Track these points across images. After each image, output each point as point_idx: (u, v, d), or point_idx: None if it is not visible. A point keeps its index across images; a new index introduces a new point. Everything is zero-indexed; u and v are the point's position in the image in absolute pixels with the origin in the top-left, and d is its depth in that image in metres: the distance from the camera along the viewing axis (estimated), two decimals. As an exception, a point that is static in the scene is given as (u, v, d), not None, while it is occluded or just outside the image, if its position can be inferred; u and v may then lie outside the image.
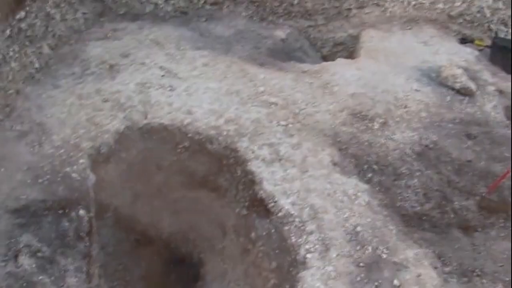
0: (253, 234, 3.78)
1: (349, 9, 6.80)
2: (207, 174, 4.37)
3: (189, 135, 4.24)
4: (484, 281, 3.23)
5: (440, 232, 3.61)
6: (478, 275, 3.23)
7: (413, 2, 6.80)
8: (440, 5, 6.79)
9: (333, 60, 6.15)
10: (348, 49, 6.87)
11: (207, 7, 6.40)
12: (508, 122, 5.24)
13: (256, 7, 6.56)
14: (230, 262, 4.10)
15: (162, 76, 4.83)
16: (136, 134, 4.20)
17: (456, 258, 3.35)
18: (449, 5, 6.76)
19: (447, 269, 3.24)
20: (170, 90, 4.63)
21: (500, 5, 6.66)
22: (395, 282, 3.08)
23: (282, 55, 6.28)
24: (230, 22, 6.36)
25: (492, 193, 4.01)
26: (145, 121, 4.22)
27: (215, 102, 4.53)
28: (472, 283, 3.17)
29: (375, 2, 6.77)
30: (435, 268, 3.20)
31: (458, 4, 6.76)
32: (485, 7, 6.74)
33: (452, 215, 3.79)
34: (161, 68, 4.97)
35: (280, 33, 6.45)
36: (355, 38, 6.71)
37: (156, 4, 6.33)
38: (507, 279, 3.22)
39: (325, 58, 6.76)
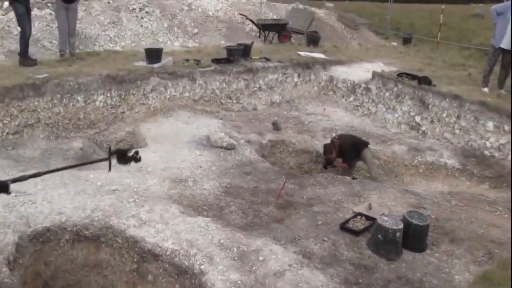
0: (149, 277, 5.11)
1: (123, 112, 8.51)
2: (87, 256, 5.46)
3: (68, 229, 5.30)
4: (304, 241, 5.30)
5: (265, 227, 5.59)
6: (300, 239, 5.29)
7: (168, 96, 9.01)
8: (186, 94, 9.20)
9: None
10: (128, 143, 8.57)
11: (10, 137, 7.29)
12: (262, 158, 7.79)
13: (51, 128, 7.74)
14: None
15: (16, 196, 5.64)
16: (26, 241, 5.05)
17: (282, 236, 5.35)
18: (192, 93, 9.24)
19: (283, 243, 5.19)
20: (32, 203, 5.52)
21: (224, 85, 9.46)
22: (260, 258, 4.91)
23: (84, 160, 7.60)
24: (33, 145, 7.39)
25: (279, 198, 6.27)
26: (30, 229, 5.10)
27: (74, 201, 5.60)
28: (299, 245, 5.18)
29: (141, 102, 8.70)
30: (277, 244, 5.15)
31: (198, 90, 9.29)
32: (215, 88, 9.45)
33: (266, 218, 5.85)
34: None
35: (77, 144, 7.77)
36: (132, 134, 8.48)
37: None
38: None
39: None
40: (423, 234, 5.08)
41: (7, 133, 7.37)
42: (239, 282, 4.45)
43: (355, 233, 5.28)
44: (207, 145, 7.70)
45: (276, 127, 8.95)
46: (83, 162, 5.88)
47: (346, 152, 7.68)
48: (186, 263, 4.78)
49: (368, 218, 5.52)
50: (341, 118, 10.04)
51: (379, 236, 4.91)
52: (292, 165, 8.46)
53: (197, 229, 5.24)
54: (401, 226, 4.91)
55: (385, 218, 5.05)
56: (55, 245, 5.26)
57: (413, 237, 5.03)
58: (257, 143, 8.32)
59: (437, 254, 5.03)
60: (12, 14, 10.29)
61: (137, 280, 5.22)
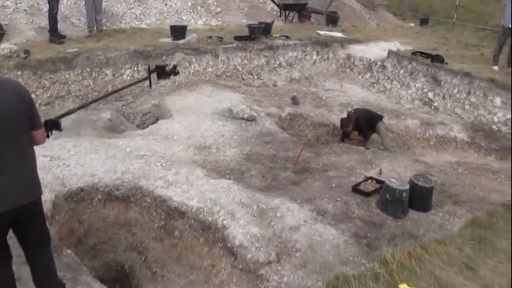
0: (176, 232, 5.60)
1: (149, 86, 9.04)
2: (118, 214, 5.97)
3: (100, 189, 5.81)
4: (319, 201, 5.73)
5: (282, 189, 6.04)
6: (314, 199, 5.72)
7: (192, 71, 9.46)
8: (209, 69, 9.63)
9: (143, 127, 8.31)
10: (154, 115, 9.07)
11: (42, 107, 7.80)
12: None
13: (80, 99, 8.26)
14: (160, 262, 5.76)
15: (50, 160, 6.15)
16: (62, 200, 5.56)
17: (298, 196, 5.79)
18: (215, 68, 9.67)
19: (299, 202, 5.64)
20: (66, 166, 6.03)
21: (245, 61, 9.86)
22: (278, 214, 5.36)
23: (113, 130, 8.12)
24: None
25: (296, 165, 6.69)
26: (65, 189, 5.61)
27: (105, 165, 6.10)
28: (314, 204, 5.62)
29: (167, 77, 9.19)
30: (294, 203, 5.59)
31: (220, 66, 9.72)
32: (237, 64, 9.85)
33: (284, 181, 6.28)
34: (44, 156, 6.30)
35: (106, 115, 8.28)
36: (157, 106, 8.97)
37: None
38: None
39: (138, 127, 8.81)
40: (428, 196, 5.47)
41: (40, 104, 7.89)
42: (258, 235, 4.90)
43: (366, 194, 5.69)
44: (229, 117, 8.13)
45: (295, 101, 9.34)
46: (125, 86, 6.23)
47: (362, 125, 8.06)
48: (210, 219, 5.23)
49: (378, 181, 5.91)
50: (357, 94, 10.37)
51: (387, 196, 5.31)
52: (310, 138, 8.86)
53: (220, 189, 5.69)
54: (407, 187, 5.30)
55: (393, 180, 5.45)
56: (88, 204, 5.75)
57: (419, 198, 5.41)
58: (277, 116, 8.73)
59: (440, 214, 5.41)
60: (41, -9, 10.80)
61: (164, 236, 5.70)
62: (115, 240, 5.98)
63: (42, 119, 3.43)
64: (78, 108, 4.70)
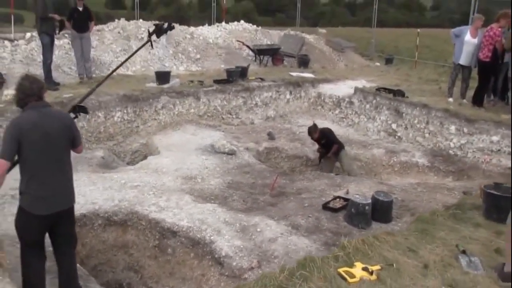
0: (169, 250, 6.34)
1: (138, 126, 9.85)
2: (116, 237, 6.69)
3: (101, 215, 6.55)
4: (293, 218, 6.54)
5: (261, 210, 6.84)
6: (289, 216, 6.53)
7: (176, 112, 10.36)
8: (192, 110, 10.54)
9: (133, 164, 9.10)
10: (142, 153, 9.86)
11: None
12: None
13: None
14: (155, 277, 6.46)
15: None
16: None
17: (275, 214, 6.59)
18: (197, 109, 10.59)
19: (276, 219, 6.44)
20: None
21: (225, 102, 10.79)
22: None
23: (106, 167, 8.88)
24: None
25: (273, 190, 7.53)
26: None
27: (104, 194, 6.82)
28: (289, 220, 6.43)
29: (153, 117, 10.04)
30: (271, 220, 6.39)
31: (202, 107, 10.64)
32: (217, 105, 10.79)
33: (262, 203, 7.10)
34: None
35: (99, 153, 9.03)
36: (145, 145, 9.78)
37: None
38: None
39: (128, 164, 9.59)
40: (388, 209, 6.32)
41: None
42: (241, 246, 5.67)
43: (334, 210, 6.53)
44: (212, 152, 8.98)
45: (271, 136, 10.26)
46: (130, 55, 6.83)
47: (327, 135, 9.02)
48: (199, 236, 5.99)
49: (345, 199, 6.76)
50: (328, 129, 11.33)
51: (352, 210, 6.15)
52: (285, 169, 9.72)
53: (207, 212, 6.47)
54: (369, 201, 6.16)
55: (357, 196, 6.33)
56: (90, 228, 6.47)
57: (380, 211, 6.26)
58: (255, 150, 9.62)
59: (399, 224, 6.24)
60: (34, 44, 11.74)
61: (159, 253, 6.42)
62: (114, 261, 6.66)
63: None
64: (93, 90, 5.70)
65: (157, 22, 5.84)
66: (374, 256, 4.12)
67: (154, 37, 5.27)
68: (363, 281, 3.68)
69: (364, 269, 3.79)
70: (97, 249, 6.60)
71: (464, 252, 4.20)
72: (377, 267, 3.86)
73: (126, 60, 6.21)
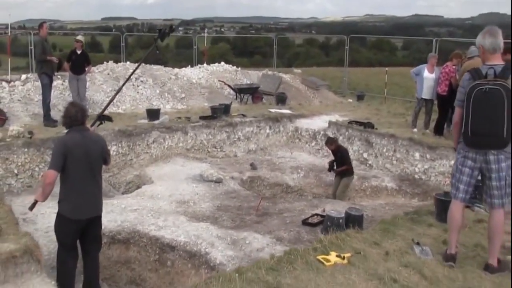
0: (168, 263, 7.16)
1: (131, 159, 10.73)
2: (120, 254, 7.49)
3: (106, 234, 7.35)
4: (277, 232, 7.43)
5: (249, 226, 7.73)
6: (274, 231, 7.44)
7: (166, 146, 11.30)
8: (180, 144, 11.49)
9: (128, 193, 9.94)
10: (135, 184, 10.70)
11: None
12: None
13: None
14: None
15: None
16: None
17: (261, 230, 7.49)
18: (185, 143, 11.54)
19: (262, 234, 7.33)
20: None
21: (210, 137, 11.79)
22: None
23: (103, 196, 9.66)
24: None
25: (258, 211, 8.45)
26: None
27: (107, 217, 7.43)
28: (273, 234, 7.33)
29: (145, 151, 10.94)
30: (258, 234, 7.28)
31: (189, 141, 11.60)
32: (203, 139, 11.77)
33: (249, 221, 7.99)
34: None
35: (97, 183, 9.89)
36: (139, 176, 10.64)
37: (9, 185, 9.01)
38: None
39: (123, 193, 10.41)
40: (360, 222, 7.26)
41: (42, 176, 9.43)
42: (233, 255, 6.53)
43: (313, 225, 7.47)
44: (201, 180, 9.88)
45: (253, 167, 11.23)
46: (140, 62, 7.66)
47: (342, 152, 9.95)
48: (195, 249, 6.84)
49: (322, 216, 7.71)
50: (305, 159, 12.37)
51: (328, 223, 7.08)
52: (267, 195, 10.65)
53: (201, 229, 7.35)
54: (343, 215, 7.12)
55: (332, 211, 7.28)
56: (97, 246, 7.29)
57: (352, 224, 7.19)
58: (239, 179, 10.55)
59: (369, 234, 7.21)
60: (29, 85, 12.63)
61: (159, 266, 7.24)
62: (117, 276, 7.45)
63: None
64: (113, 98, 6.61)
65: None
66: (346, 248, 5.06)
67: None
68: (337, 265, 4.62)
69: (338, 256, 4.73)
70: (103, 265, 7.34)
71: (418, 243, 5.18)
72: (348, 254, 4.81)
73: (134, 71, 7.13)
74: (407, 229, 5.80)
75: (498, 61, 4.50)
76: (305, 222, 7.61)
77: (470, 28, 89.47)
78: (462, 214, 4.91)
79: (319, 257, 4.71)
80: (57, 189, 4.95)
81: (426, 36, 21.98)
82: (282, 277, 4.37)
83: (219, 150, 12.51)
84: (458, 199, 4.79)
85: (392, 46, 57.25)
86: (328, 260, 4.64)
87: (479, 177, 4.81)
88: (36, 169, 9.42)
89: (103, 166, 5.21)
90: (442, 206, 6.12)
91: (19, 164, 9.17)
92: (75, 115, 4.81)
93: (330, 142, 10.24)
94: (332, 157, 10.33)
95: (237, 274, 4.34)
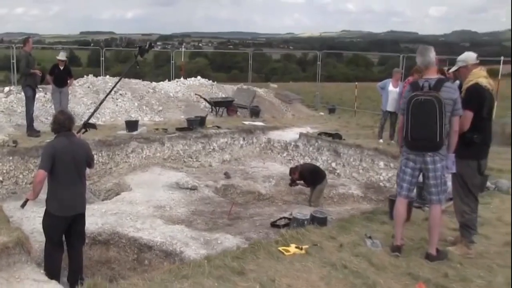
0: (146, 261, 7.70)
1: (111, 168, 11.25)
2: (100, 254, 8.00)
3: (87, 235, 7.82)
4: (247, 233, 8.03)
5: (221, 229, 8.32)
6: (244, 232, 8.04)
7: (144, 155, 11.84)
8: (158, 154, 12.06)
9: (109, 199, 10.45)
10: (115, 192, 11.20)
11: (28, 186, 9.82)
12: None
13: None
14: None
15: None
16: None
17: (232, 231, 8.08)
18: (162, 153, 12.11)
19: (233, 235, 7.92)
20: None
21: (186, 147, 12.38)
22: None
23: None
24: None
25: (230, 215, 9.05)
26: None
27: (88, 219, 7.81)
28: (243, 235, 7.93)
29: (124, 160, 11.45)
30: (229, 235, 7.87)
31: (166, 151, 12.17)
32: (179, 150, 12.35)
33: (221, 224, 8.58)
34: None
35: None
36: (118, 184, 11.15)
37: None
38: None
39: (103, 200, 10.90)
40: (323, 224, 7.91)
41: (26, 183, 9.91)
42: (206, 254, 7.06)
43: (280, 227, 8.10)
44: (177, 188, 10.44)
45: (227, 176, 11.84)
46: (125, 72, 8.01)
47: (305, 175, 10.54)
48: (171, 248, 7.39)
49: (289, 219, 8.35)
50: (277, 169, 13.02)
51: (295, 224, 7.71)
52: (240, 202, 11.26)
53: (176, 230, 7.90)
54: (308, 217, 7.75)
55: (298, 213, 7.92)
56: (79, 246, 7.79)
57: (317, 225, 7.85)
58: (213, 187, 11.14)
59: (331, 234, 7.86)
60: (12, 97, 13.07)
61: (137, 265, 7.77)
62: (98, 276, 7.90)
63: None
64: (97, 108, 7.16)
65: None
66: (305, 241, 5.70)
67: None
68: (296, 255, 5.26)
69: (297, 247, 5.37)
70: (84, 265, 7.84)
71: (370, 237, 5.85)
72: (306, 246, 5.45)
73: (116, 84, 7.75)
74: (362, 226, 6.48)
75: (433, 75, 5.24)
76: (273, 224, 8.24)
77: (443, 44, 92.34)
78: (406, 209, 5.61)
79: (280, 248, 5.34)
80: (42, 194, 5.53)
81: (401, 52, 22.97)
82: (246, 264, 4.98)
83: (194, 160, 13.08)
84: (402, 196, 5.49)
85: (368, 61, 58.70)
86: (287, 251, 5.27)
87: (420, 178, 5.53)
88: (20, 176, 9.87)
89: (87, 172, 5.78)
90: (394, 206, 6.81)
91: (4, 171, 9.62)
92: (63, 122, 5.38)
93: (293, 171, 10.70)
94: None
95: (206, 261, 4.94)
